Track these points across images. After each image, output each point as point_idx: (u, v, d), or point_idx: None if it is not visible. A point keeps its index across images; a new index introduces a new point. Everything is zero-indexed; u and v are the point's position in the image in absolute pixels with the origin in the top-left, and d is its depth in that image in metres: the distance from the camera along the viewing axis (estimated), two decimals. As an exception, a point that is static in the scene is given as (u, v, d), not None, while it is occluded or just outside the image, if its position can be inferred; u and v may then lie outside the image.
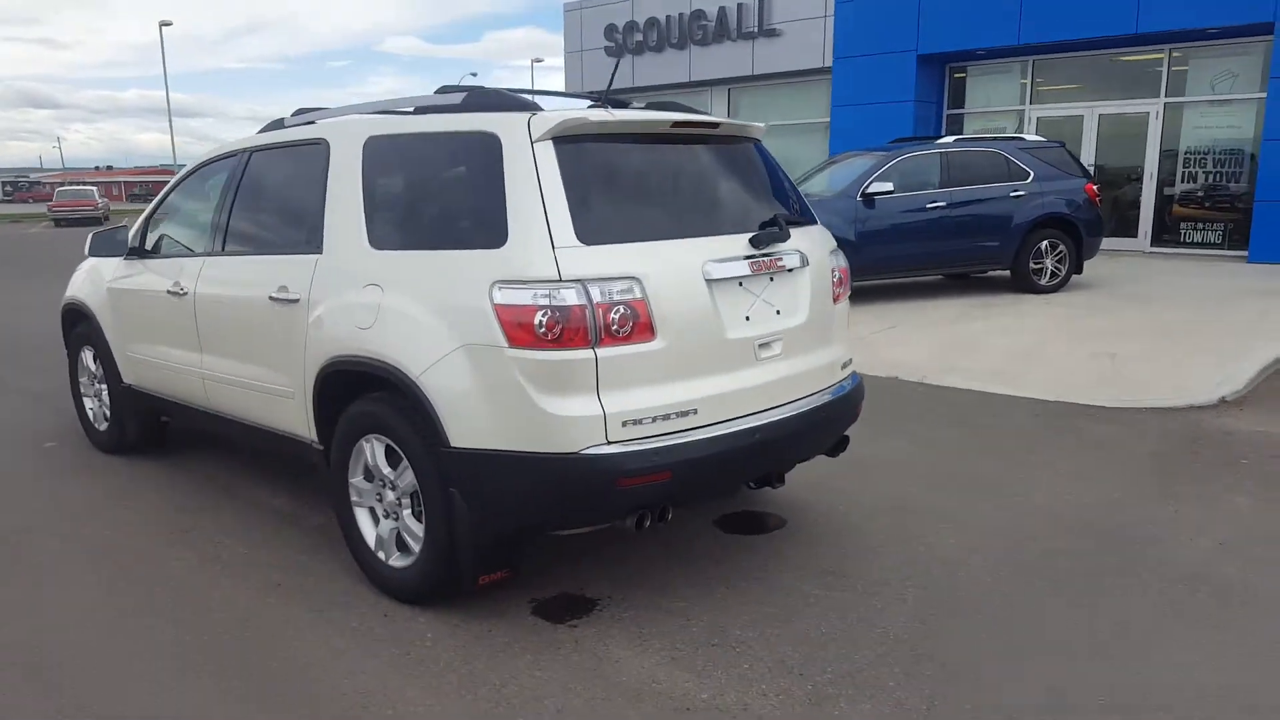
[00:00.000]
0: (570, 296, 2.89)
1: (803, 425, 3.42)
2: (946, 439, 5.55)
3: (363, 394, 3.46)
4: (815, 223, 3.85)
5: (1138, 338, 8.09)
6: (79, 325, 5.47)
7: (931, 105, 16.50)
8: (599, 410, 2.93)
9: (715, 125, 3.51)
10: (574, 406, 2.92)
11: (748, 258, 3.32)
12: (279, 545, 4.04)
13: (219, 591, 3.61)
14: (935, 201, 10.24)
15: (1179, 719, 2.71)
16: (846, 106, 16.77)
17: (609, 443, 2.94)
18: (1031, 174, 10.55)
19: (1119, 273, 12.15)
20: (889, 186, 9.97)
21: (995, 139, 11.23)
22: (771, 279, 3.41)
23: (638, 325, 2.98)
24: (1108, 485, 4.69)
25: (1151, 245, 14.80)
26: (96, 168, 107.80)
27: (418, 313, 3.16)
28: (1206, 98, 14.17)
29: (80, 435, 5.74)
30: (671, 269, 3.10)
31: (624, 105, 3.66)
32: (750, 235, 3.37)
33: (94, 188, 40.70)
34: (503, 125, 3.15)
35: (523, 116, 3.14)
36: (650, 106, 3.72)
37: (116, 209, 50.88)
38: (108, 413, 5.38)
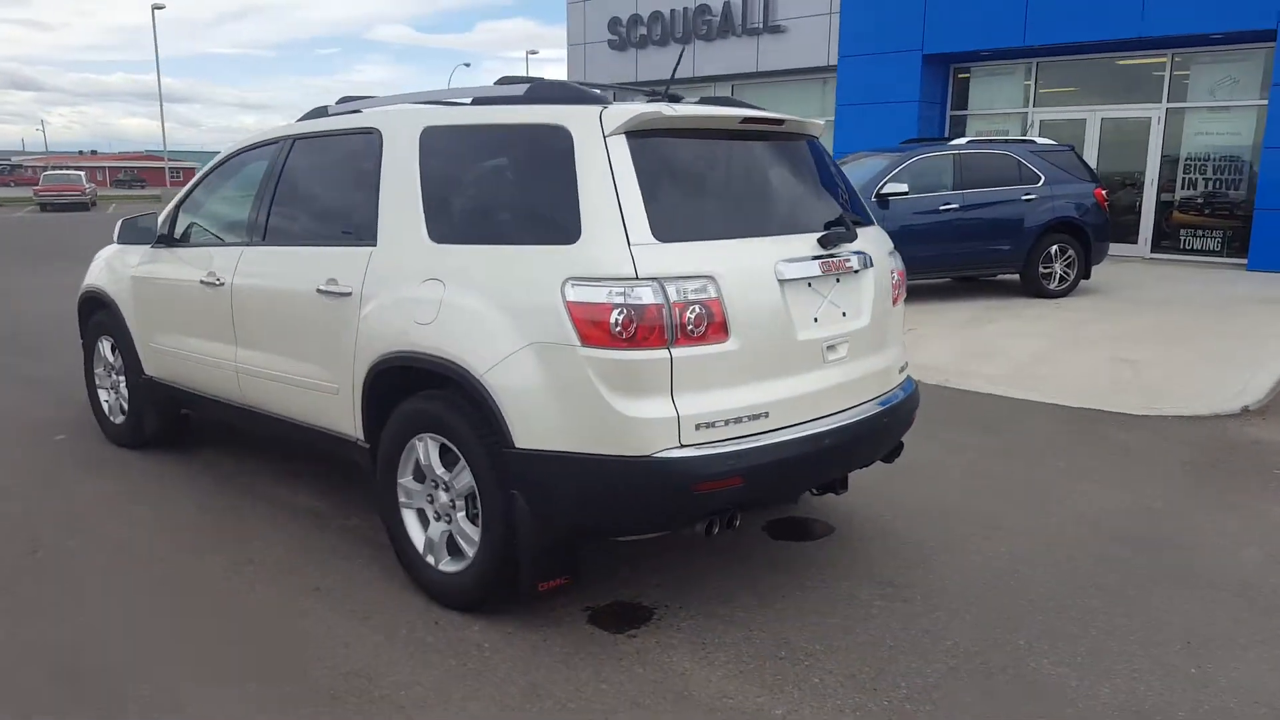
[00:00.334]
0: (646, 295, 2.80)
1: (866, 430, 3.35)
2: (976, 444, 5.49)
3: (417, 391, 3.35)
4: (873, 223, 3.78)
5: (1150, 344, 8.08)
6: (97, 314, 5.32)
7: (936, 106, 16.49)
8: (673, 412, 2.84)
9: (780, 122, 3.42)
10: (648, 408, 2.83)
11: (817, 258, 3.24)
12: (313, 547, 3.92)
13: (256, 595, 3.49)
14: (949, 203, 10.20)
15: (1267, 739, 2.66)
16: (851, 105, 16.72)
17: (682, 446, 2.85)
18: (1042, 177, 10.53)
19: (1122, 278, 12.16)
20: (904, 188, 9.92)
21: (1007, 141, 11.21)
22: (838, 280, 3.33)
23: (712, 325, 2.89)
24: (1144, 494, 4.64)
25: (1151, 251, 14.84)
26: (80, 152, 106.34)
27: (483, 309, 3.05)
28: (1207, 104, 14.22)
29: (92, 427, 5.58)
30: (745, 268, 3.01)
31: (679, 100, 3.56)
32: (818, 235, 3.29)
33: (80, 172, 40.08)
34: (573, 118, 3.05)
35: (594, 109, 3.04)
36: (703, 102, 3.63)
37: (102, 194, 50.27)
38: (125, 405, 5.24)
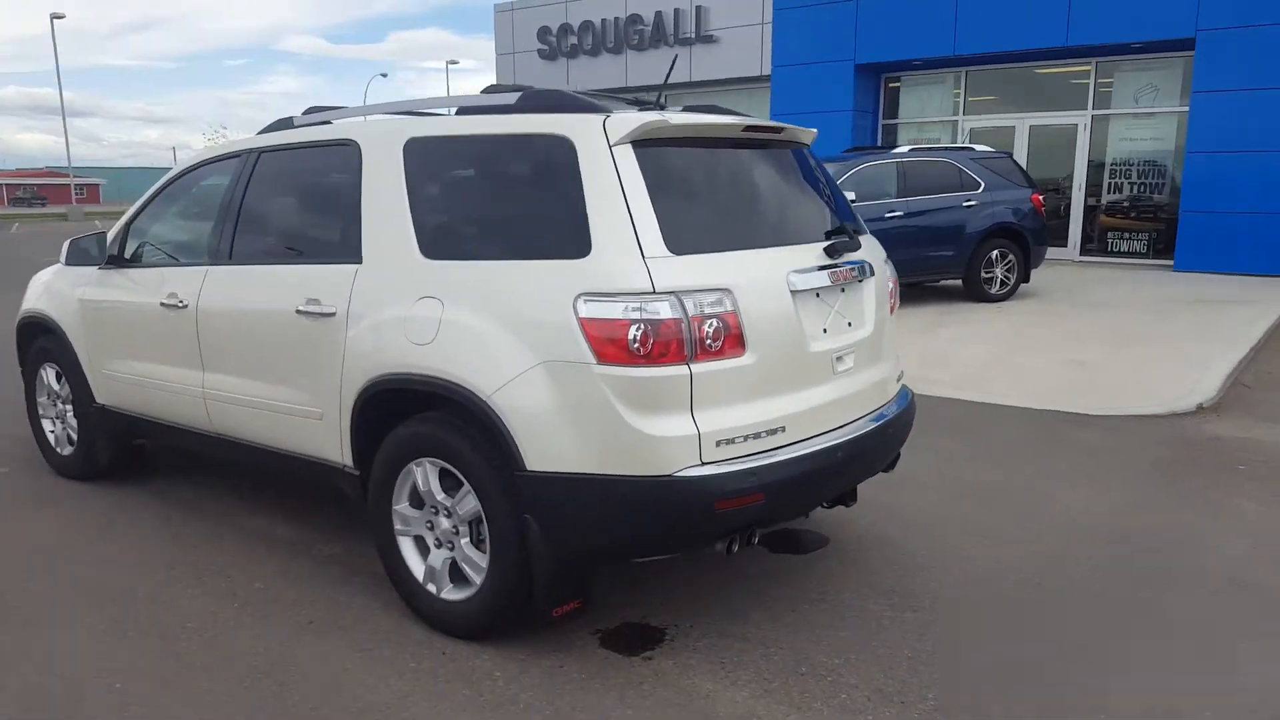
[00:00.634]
0: (664, 309, 2.73)
1: (875, 441, 3.32)
2: (947, 449, 5.54)
3: (413, 414, 3.21)
4: (866, 231, 3.77)
5: (1096, 345, 8.30)
6: (39, 340, 5.02)
7: (869, 115, 16.78)
8: (693, 430, 2.77)
9: (780, 130, 3.39)
10: (668, 426, 2.75)
11: (824, 268, 3.21)
12: (297, 578, 3.74)
13: (246, 632, 3.31)
14: (893, 211, 10.36)
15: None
16: (786, 115, 16.90)
17: (703, 464, 2.78)
18: (982, 184, 10.77)
19: (1056, 282, 12.51)
20: (851, 195, 10.02)
21: (947, 149, 11.45)
22: (843, 290, 3.30)
23: (729, 339, 2.83)
24: (1117, 493, 4.73)
25: (1080, 254, 15.32)
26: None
27: (487, 327, 2.94)
28: (1130, 110, 14.76)
29: (35, 459, 5.27)
30: (758, 280, 2.96)
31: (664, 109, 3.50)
32: (824, 245, 3.26)
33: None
34: (575, 127, 2.96)
35: (596, 118, 2.96)
36: (687, 110, 3.57)
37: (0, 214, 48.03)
38: (74, 436, 4.95)
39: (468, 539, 3.15)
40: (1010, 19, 14.41)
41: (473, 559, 3.13)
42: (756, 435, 2.89)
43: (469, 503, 3.08)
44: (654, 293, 2.73)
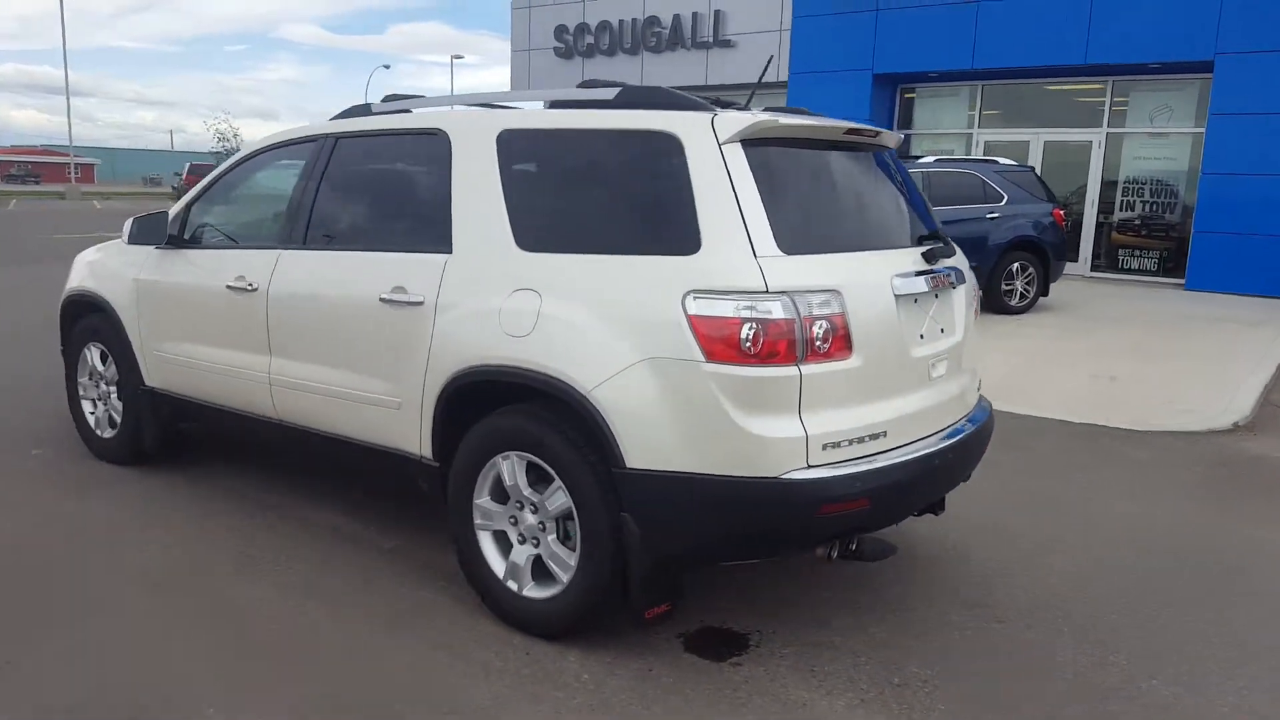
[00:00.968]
0: (776, 309, 2.68)
1: (963, 449, 3.29)
2: (997, 459, 5.41)
3: (500, 407, 3.16)
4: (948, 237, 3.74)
5: (1122, 360, 8.31)
6: (86, 319, 4.93)
7: (883, 125, 16.76)
8: (801, 431, 2.72)
9: (876, 134, 3.36)
10: (776, 427, 2.71)
11: (923, 273, 3.17)
12: (364, 571, 3.67)
13: (324, 625, 3.24)
14: (919, 220, 10.34)
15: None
16: (801, 122, 16.88)
17: (810, 466, 2.74)
18: (1005, 196, 10.79)
19: (1069, 296, 12.54)
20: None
21: (972, 161, 11.46)
22: (937, 296, 3.27)
23: (836, 341, 2.79)
24: (1175, 509, 4.72)
25: (1090, 270, 15.37)
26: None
27: (588, 322, 2.89)
28: (1145, 130, 14.83)
29: (73, 441, 5.17)
30: (865, 282, 2.92)
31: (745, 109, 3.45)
32: (922, 250, 3.23)
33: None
34: (683, 125, 2.92)
35: (705, 116, 2.92)
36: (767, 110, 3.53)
37: (-4, 191, 47.64)
38: (116, 418, 4.86)
39: (554, 535, 3.10)
40: (1030, 35, 14.46)
41: (560, 556, 3.07)
42: (860, 440, 2.85)
43: (558, 499, 3.02)
44: (767, 292, 2.68)
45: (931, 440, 3.13)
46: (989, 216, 10.65)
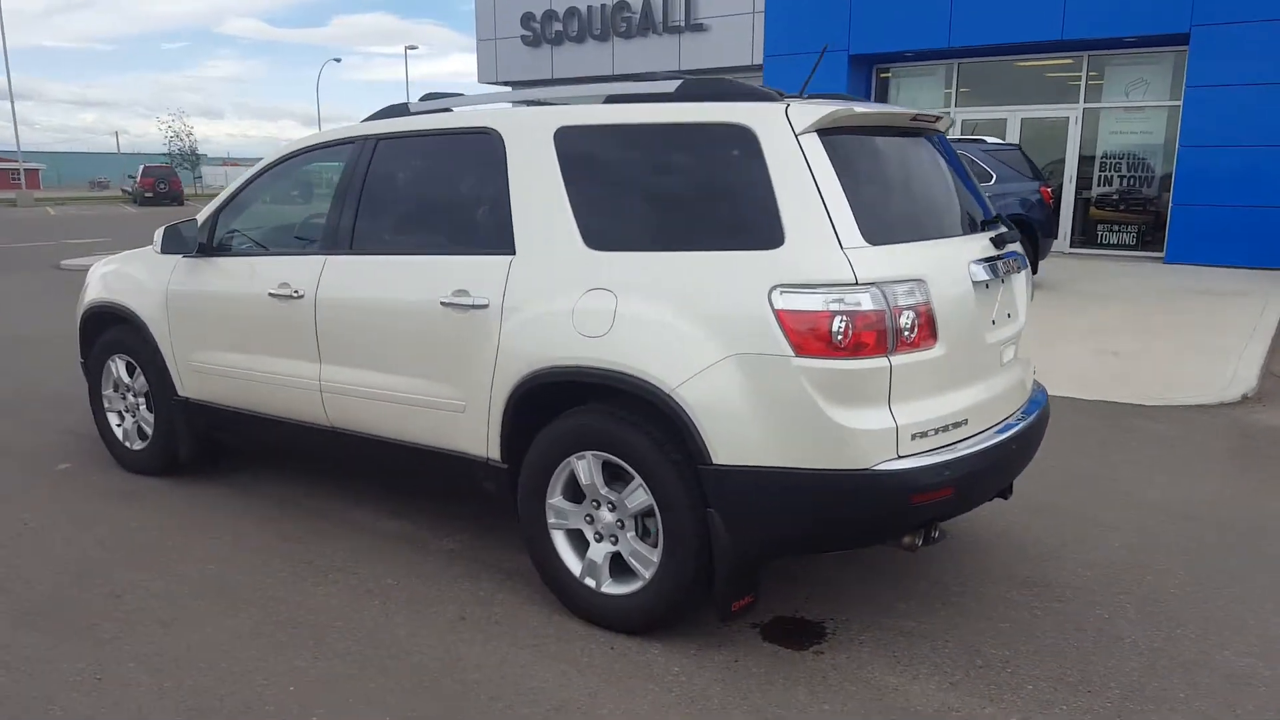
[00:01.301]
0: (866, 301, 2.70)
1: (1031, 434, 3.34)
2: (1019, 437, 5.59)
3: (571, 407, 3.16)
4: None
5: (1122, 335, 8.45)
6: (108, 332, 4.84)
7: (862, 106, 16.83)
8: (891, 422, 2.75)
9: (937, 119, 3.38)
10: (867, 419, 2.73)
11: (992, 259, 3.20)
12: (427, 574, 3.66)
13: (400, 630, 3.23)
14: (912, 201, 10.42)
15: None
16: (780, 105, 16.91)
17: (900, 457, 2.77)
18: (994, 175, 10.89)
19: (1054, 273, 12.70)
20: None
21: (960, 140, 11.55)
22: (1003, 281, 3.31)
23: (921, 330, 2.82)
24: (1210, 481, 4.82)
25: (1071, 246, 15.58)
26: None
27: (669, 319, 2.89)
28: (1121, 104, 15.03)
29: (96, 455, 5.10)
30: (945, 270, 2.95)
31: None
32: (991, 235, 3.26)
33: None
34: (756, 116, 2.92)
35: (778, 107, 2.92)
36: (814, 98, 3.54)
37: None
38: (146, 430, 4.79)
39: (633, 532, 3.11)
40: (1005, 12, 14.58)
41: (641, 553, 3.08)
42: (945, 428, 2.89)
43: (638, 496, 3.03)
44: (856, 284, 2.70)
45: (1004, 425, 3.17)
46: (980, 195, 10.74)
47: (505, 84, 21.31)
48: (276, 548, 3.92)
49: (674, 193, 3.10)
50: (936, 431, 2.86)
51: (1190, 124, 13.63)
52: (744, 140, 2.91)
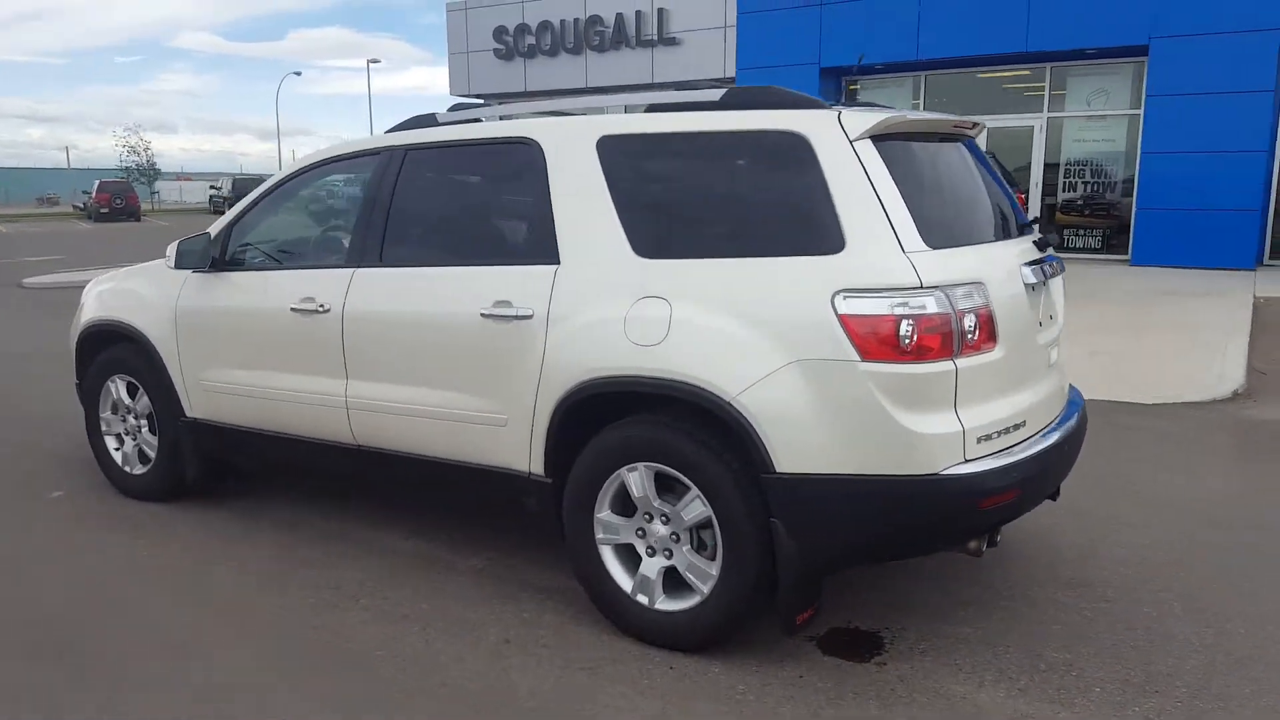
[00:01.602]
0: (931, 304, 2.68)
1: (1077, 434, 3.34)
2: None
3: (620, 418, 3.09)
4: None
5: (1105, 335, 8.57)
6: (108, 351, 4.67)
7: (831, 116, 16.99)
8: (958, 426, 2.73)
9: (975, 125, 3.39)
10: (935, 423, 2.70)
11: (1040, 261, 3.21)
12: (459, 595, 3.55)
13: (445, 655, 3.12)
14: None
15: None
16: (749, 116, 17.00)
17: (966, 461, 2.74)
18: (971, 183, 11.01)
19: (1032, 276, 12.88)
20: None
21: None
22: (1046, 283, 3.31)
23: (983, 333, 2.80)
24: (1220, 477, 4.89)
25: (1038, 250, 15.81)
26: None
27: (727, 326, 2.84)
28: (1084, 113, 15.34)
29: (90, 481, 4.90)
30: (1001, 272, 2.95)
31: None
32: (1034, 238, 3.27)
33: None
34: (809, 123, 2.90)
35: (830, 114, 2.90)
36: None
37: None
38: (150, 453, 4.62)
39: (688, 546, 3.04)
40: (971, 26, 14.81)
41: (698, 566, 3.02)
42: (1006, 430, 2.87)
43: (695, 508, 2.97)
44: (921, 287, 2.68)
45: (1054, 426, 3.17)
46: (957, 203, 10.86)
47: (478, 97, 21.21)
48: (297, 573, 3.79)
49: (726, 200, 3.06)
50: (999, 434, 2.84)
51: (1151, 131, 13.95)
52: (798, 147, 2.88)
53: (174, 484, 4.56)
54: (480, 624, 3.33)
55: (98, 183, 42.62)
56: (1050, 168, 15.66)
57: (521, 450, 3.31)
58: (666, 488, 3.06)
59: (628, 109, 3.55)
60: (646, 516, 3.11)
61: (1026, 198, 15.80)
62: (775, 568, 2.87)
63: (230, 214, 4.23)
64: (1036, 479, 2.94)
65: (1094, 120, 15.30)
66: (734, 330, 2.83)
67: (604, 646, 3.15)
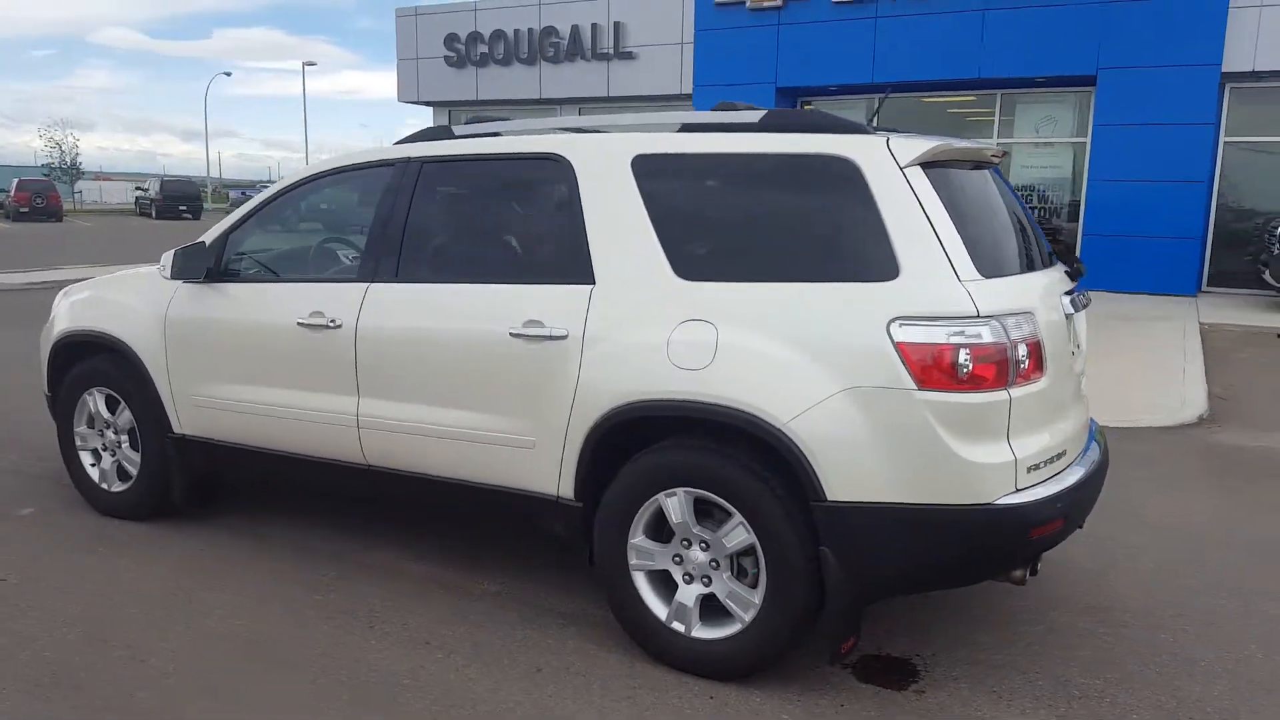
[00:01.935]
0: (986, 333, 2.69)
1: (1105, 462, 3.39)
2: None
3: (653, 443, 3.03)
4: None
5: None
6: (85, 363, 4.43)
7: (787, 136, 17.18)
8: (1011, 455, 2.73)
9: (1004, 154, 3.42)
10: (990, 453, 2.71)
11: (1075, 291, 3.25)
12: (480, 622, 3.45)
13: (477, 685, 3.01)
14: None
15: None
16: (707, 133, 17.09)
17: (1018, 490, 2.75)
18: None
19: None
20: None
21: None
22: (1075, 312, 3.35)
23: (1032, 362, 2.82)
24: (1200, 499, 5.03)
25: (987, 272, 16.18)
26: None
27: (777, 351, 2.81)
28: (1032, 140, 15.77)
29: (61, 498, 4.66)
30: (1046, 301, 2.98)
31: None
32: (1065, 268, 3.31)
33: None
34: (857, 149, 2.89)
35: (879, 140, 2.90)
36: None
37: None
38: (131, 469, 4.40)
39: (728, 573, 3.00)
40: (925, 52, 15.13)
41: (739, 594, 2.97)
42: (1051, 459, 2.89)
43: (738, 535, 2.92)
44: (978, 316, 2.68)
45: (1087, 454, 3.20)
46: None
47: (427, 104, 20.92)
48: (306, 598, 3.63)
49: (771, 223, 3.02)
50: (1046, 463, 2.86)
51: (1098, 159, 14.40)
52: (846, 172, 2.87)
53: (156, 501, 4.36)
54: (508, 651, 3.23)
55: (16, 181, 40.88)
56: (999, 192, 16.03)
57: (550, 473, 3.22)
58: (704, 513, 3.01)
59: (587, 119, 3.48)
60: (684, 543, 3.05)
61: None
62: (820, 596, 2.83)
63: (227, 222, 4.07)
64: (1078, 508, 2.96)
65: (1041, 147, 15.74)
66: (784, 355, 2.80)
67: (638, 675, 3.08)
